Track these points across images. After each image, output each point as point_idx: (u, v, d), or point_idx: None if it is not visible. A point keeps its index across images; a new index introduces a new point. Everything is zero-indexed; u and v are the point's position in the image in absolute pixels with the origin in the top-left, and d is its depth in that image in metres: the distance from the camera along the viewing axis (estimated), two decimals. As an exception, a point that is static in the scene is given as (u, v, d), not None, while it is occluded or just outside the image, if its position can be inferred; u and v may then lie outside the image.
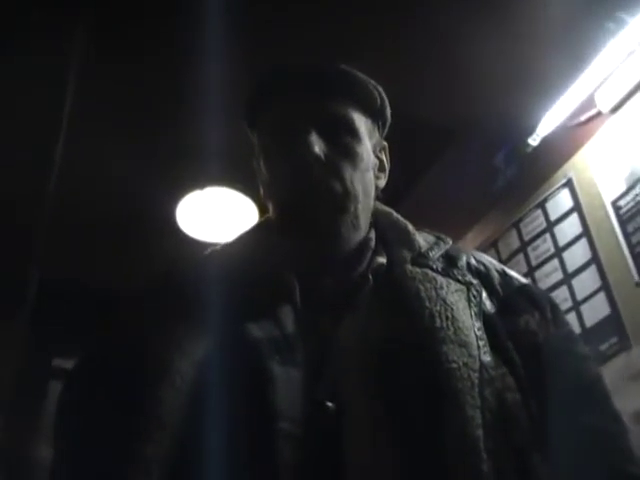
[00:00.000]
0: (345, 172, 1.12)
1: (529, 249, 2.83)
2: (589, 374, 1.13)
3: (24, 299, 2.02)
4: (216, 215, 3.48)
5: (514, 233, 2.94)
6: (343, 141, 1.14)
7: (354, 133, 1.16)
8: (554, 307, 1.19)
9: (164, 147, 3.11)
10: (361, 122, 1.18)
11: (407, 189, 3.49)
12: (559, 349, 1.11)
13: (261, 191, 1.23)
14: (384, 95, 1.23)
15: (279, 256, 1.11)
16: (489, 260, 1.22)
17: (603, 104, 2.62)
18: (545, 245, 2.77)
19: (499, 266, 1.22)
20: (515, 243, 2.92)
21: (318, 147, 1.10)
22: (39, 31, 2.38)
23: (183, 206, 3.50)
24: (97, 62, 2.57)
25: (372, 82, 1.21)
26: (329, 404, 0.94)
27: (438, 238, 1.19)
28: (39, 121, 2.27)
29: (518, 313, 1.12)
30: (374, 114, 1.21)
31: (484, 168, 3.15)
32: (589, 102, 2.69)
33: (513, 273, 1.22)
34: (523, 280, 1.22)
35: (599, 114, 2.65)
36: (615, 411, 1.10)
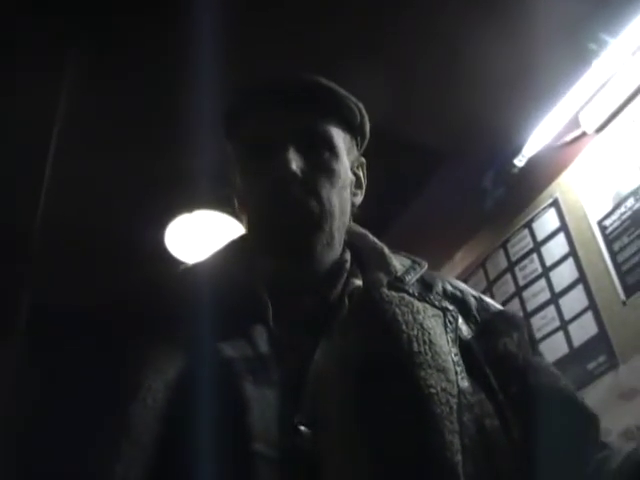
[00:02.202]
0: (322, 189, 1.11)
1: (516, 269, 2.84)
2: (568, 390, 1.13)
3: (15, 324, 2.01)
4: (205, 238, 3.48)
5: (502, 253, 2.95)
6: (321, 157, 1.13)
7: (332, 149, 1.15)
8: (530, 330, 1.20)
9: (151, 170, 3.11)
10: (340, 138, 1.17)
11: (396, 211, 3.50)
12: (538, 369, 1.12)
13: (236, 205, 1.21)
14: (364, 111, 1.22)
15: (253, 274, 1.10)
16: (465, 287, 1.22)
17: (588, 124, 2.64)
18: (532, 265, 2.78)
19: (475, 292, 1.22)
20: (503, 263, 2.93)
21: (295, 164, 1.09)
22: (29, 49, 2.39)
23: (172, 229, 3.50)
24: (83, 90, 2.58)
25: (352, 98, 1.20)
26: (304, 429, 0.93)
27: (414, 262, 1.18)
28: (27, 146, 2.27)
29: (496, 336, 1.12)
30: (353, 130, 1.20)
31: (472, 190, 3.16)
32: (574, 123, 2.71)
33: (489, 300, 1.23)
34: (499, 306, 1.23)
35: (584, 134, 2.67)
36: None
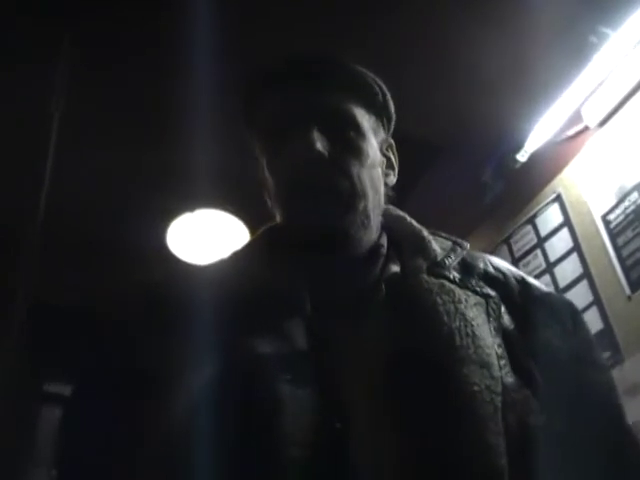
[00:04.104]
0: (352, 168, 1.06)
1: (520, 265, 2.82)
2: (605, 386, 1.08)
3: (14, 324, 2.00)
4: (207, 238, 3.47)
5: (505, 249, 2.94)
6: (346, 136, 1.08)
7: (357, 128, 1.09)
8: (575, 315, 1.13)
9: (153, 169, 3.10)
10: (364, 118, 1.11)
11: (394, 205, 3.48)
12: (576, 360, 1.06)
13: (267, 197, 1.15)
14: (386, 89, 1.17)
15: (286, 265, 1.04)
16: (507, 267, 1.14)
17: (590, 118, 2.63)
18: (536, 261, 2.77)
19: (518, 274, 1.13)
20: (507, 259, 2.90)
21: (320, 143, 1.04)
22: (29, 45, 2.38)
23: (173, 229, 3.49)
24: (83, 85, 2.57)
25: (372, 75, 1.16)
26: (338, 425, 0.86)
27: (455, 243, 1.11)
28: (27, 145, 2.27)
29: (539, 327, 1.04)
30: (377, 110, 1.15)
31: (472, 185, 3.15)
32: (576, 117, 2.69)
33: (533, 281, 1.14)
34: (544, 289, 1.15)
35: (586, 128, 2.65)
36: (628, 426, 1.06)
